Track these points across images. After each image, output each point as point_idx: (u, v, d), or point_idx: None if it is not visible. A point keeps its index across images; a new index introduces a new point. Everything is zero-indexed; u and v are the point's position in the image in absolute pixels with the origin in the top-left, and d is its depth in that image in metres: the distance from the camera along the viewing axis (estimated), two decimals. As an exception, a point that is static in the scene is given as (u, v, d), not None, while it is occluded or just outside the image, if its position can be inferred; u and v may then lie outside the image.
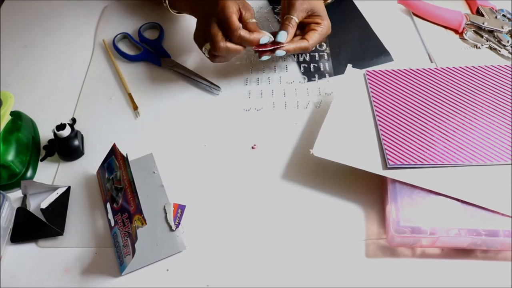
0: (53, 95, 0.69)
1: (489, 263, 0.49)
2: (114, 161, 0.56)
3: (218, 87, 0.67)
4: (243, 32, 0.61)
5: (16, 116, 0.63)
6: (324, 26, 0.65)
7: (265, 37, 0.61)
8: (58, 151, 0.61)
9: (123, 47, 0.74)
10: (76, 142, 0.61)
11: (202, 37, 0.63)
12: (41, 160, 0.62)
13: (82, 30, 0.79)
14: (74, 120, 0.65)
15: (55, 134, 0.60)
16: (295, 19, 0.64)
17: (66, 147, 0.60)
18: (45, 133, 0.64)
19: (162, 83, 0.69)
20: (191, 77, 0.69)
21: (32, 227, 0.54)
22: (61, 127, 0.60)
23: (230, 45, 0.61)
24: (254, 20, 0.63)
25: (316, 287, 0.49)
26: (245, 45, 0.62)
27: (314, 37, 0.64)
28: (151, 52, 0.73)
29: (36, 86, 0.71)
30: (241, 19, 0.62)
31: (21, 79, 0.72)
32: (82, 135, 0.63)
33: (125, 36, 0.75)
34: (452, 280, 0.48)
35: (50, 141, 0.63)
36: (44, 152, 0.63)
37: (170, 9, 0.72)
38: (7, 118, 0.60)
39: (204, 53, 0.64)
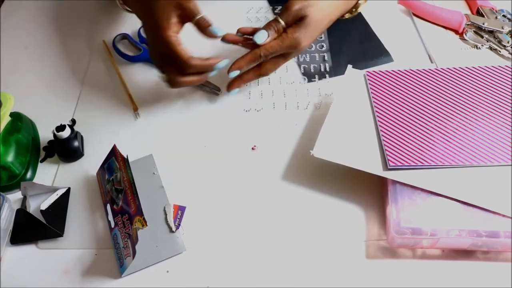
0: (53, 96, 0.69)
1: (489, 264, 0.49)
2: (115, 162, 0.56)
3: (218, 88, 0.67)
4: (196, 61, 0.56)
5: (16, 117, 0.63)
6: (287, 38, 0.58)
7: (223, 62, 0.58)
8: (58, 152, 0.61)
9: (123, 47, 0.74)
10: (76, 143, 0.61)
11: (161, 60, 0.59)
12: (41, 161, 0.62)
13: (82, 31, 0.78)
14: (74, 121, 0.65)
15: (54, 135, 0.60)
16: (282, 23, 0.58)
17: (66, 148, 0.60)
18: (45, 134, 0.64)
19: (162, 84, 0.69)
20: None
21: (32, 229, 0.54)
22: (60, 128, 0.60)
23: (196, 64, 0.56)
24: (201, 15, 0.56)
25: (316, 287, 0.49)
26: (205, 71, 0.58)
27: (270, 44, 0.58)
28: (151, 53, 0.72)
29: (36, 87, 0.71)
30: (188, 19, 0.57)
31: (21, 80, 0.72)
32: (82, 136, 0.63)
33: (125, 37, 0.75)
34: (452, 281, 0.48)
35: (50, 142, 0.63)
36: (44, 153, 0.63)
37: (120, 5, 0.68)
38: (6, 119, 0.60)
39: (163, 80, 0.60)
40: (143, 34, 0.75)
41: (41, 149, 0.63)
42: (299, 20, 0.58)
